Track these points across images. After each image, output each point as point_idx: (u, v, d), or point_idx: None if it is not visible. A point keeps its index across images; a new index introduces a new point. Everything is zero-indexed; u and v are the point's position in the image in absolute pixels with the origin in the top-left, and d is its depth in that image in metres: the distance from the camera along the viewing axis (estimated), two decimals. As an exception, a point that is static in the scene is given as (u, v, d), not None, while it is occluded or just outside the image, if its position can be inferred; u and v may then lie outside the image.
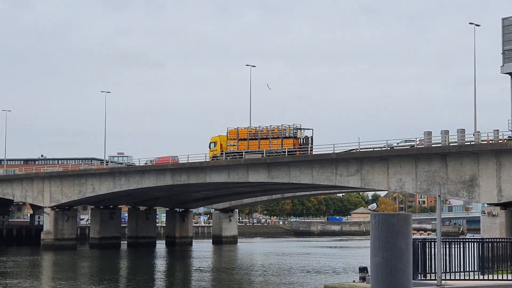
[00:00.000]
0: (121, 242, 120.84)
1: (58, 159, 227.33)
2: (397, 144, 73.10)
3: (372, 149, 72.54)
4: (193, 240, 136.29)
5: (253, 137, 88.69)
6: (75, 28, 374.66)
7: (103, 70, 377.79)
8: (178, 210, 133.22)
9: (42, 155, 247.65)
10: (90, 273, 71.79)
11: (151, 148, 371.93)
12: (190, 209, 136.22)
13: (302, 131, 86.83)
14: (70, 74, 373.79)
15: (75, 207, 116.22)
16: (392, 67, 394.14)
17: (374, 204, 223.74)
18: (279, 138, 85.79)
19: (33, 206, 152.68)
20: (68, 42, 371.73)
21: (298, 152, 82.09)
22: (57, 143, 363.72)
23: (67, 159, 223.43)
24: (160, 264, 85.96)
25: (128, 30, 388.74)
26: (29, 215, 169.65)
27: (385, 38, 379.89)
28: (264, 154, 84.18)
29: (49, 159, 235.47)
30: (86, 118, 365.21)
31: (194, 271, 73.86)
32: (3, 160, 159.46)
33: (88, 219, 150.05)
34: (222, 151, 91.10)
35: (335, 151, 75.21)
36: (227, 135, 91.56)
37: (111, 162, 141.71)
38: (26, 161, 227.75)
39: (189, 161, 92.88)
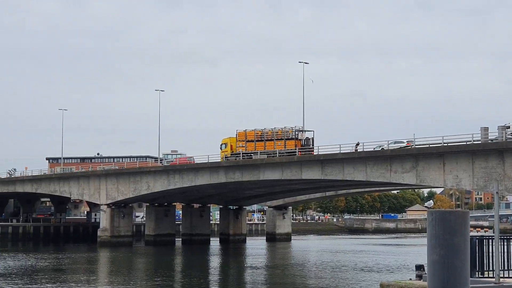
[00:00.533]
0: (176, 239, 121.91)
1: (113, 157, 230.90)
2: (387, 145, 74.14)
3: (428, 145, 71.66)
4: (246, 237, 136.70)
5: (260, 139, 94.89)
6: (131, 27, 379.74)
7: (158, 68, 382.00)
8: (231, 208, 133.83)
9: (98, 153, 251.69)
10: (145, 270, 72.55)
11: (205, 146, 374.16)
12: (244, 207, 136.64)
13: (303, 132, 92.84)
14: (125, 73, 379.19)
15: (130, 205, 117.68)
16: (449, 63, 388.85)
17: (431, 201, 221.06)
18: (282, 139, 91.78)
19: (89, 204, 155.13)
20: (124, 41, 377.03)
21: (299, 152, 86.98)
22: (112, 142, 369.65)
23: (122, 157, 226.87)
24: (214, 261, 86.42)
25: (182, 29, 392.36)
26: (85, 213, 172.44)
27: (441, 32, 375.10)
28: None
29: (105, 157, 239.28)
30: (141, 116, 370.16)
31: (248, 268, 74.02)
32: (60, 158, 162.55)
33: (143, 217, 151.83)
34: (232, 151, 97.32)
35: (390, 148, 74.50)
36: (236, 137, 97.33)
37: (165, 160, 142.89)
38: (83, 159, 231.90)
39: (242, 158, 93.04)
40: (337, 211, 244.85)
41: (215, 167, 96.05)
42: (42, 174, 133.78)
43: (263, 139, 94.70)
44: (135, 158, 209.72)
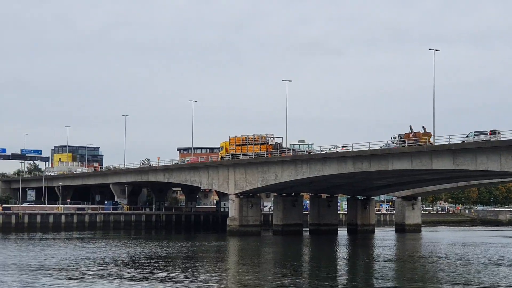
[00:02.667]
0: (303, 229, 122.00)
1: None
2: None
3: None
4: (375, 228, 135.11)
5: (244, 143, 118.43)
6: (257, 19, 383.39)
7: (283, 59, 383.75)
8: (359, 198, 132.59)
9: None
10: (274, 259, 72.90)
11: (332, 135, 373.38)
12: (372, 197, 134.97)
13: (273, 138, 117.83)
14: (251, 64, 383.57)
15: (258, 194, 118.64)
16: None
17: None
18: (259, 144, 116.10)
19: (218, 193, 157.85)
20: (249, 33, 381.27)
21: (269, 154, 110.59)
22: (240, 132, 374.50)
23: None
24: (342, 252, 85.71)
25: (308, 19, 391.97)
26: (215, 202, 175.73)
27: None
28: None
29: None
30: (268, 106, 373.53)
31: (376, 260, 72.88)
32: (190, 148, 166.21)
33: (271, 206, 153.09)
34: (227, 153, 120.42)
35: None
36: (229, 142, 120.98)
37: (292, 150, 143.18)
38: (212, 149, 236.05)
39: (370, 148, 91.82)
40: (469, 202, 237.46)
41: (343, 157, 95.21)
42: (174, 164, 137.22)
43: (246, 143, 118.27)
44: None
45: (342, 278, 54.74)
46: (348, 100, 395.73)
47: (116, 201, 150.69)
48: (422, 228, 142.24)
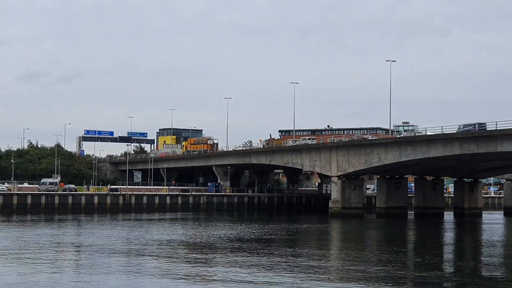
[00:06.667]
0: (408, 212, 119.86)
1: (343, 129, 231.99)
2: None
3: None
4: (482, 212, 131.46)
5: (196, 143, 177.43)
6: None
7: (386, 39, 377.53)
8: (466, 180, 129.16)
9: (328, 126, 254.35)
10: (377, 242, 71.73)
11: (438, 117, 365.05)
12: (479, 179, 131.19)
13: (212, 140, 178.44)
14: (354, 44, 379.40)
15: (361, 177, 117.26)
16: None
17: None
18: (203, 143, 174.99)
19: (320, 175, 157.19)
20: (352, 12, 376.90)
21: (209, 151, 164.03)
22: (342, 113, 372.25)
23: (352, 129, 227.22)
24: (448, 236, 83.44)
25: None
26: (317, 184, 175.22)
27: None
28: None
29: (335, 129, 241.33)
30: (371, 87, 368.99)
31: (484, 245, 70.45)
32: (292, 130, 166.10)
33: (374, 189, 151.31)
34: (187, 149, 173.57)
35: None
36: (188, 141, 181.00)
37: (396, 131, 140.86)
38: (313, 131, 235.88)
39: (478, 129, 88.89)
40: None
41: (449, 139, 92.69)
42: (276, 146, 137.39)
43: (197, 143, 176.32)
44: (365, 130, 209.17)
45: (448, 262, 53.12)
46: (453, 80, 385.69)
47: (219, 183, 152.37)
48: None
